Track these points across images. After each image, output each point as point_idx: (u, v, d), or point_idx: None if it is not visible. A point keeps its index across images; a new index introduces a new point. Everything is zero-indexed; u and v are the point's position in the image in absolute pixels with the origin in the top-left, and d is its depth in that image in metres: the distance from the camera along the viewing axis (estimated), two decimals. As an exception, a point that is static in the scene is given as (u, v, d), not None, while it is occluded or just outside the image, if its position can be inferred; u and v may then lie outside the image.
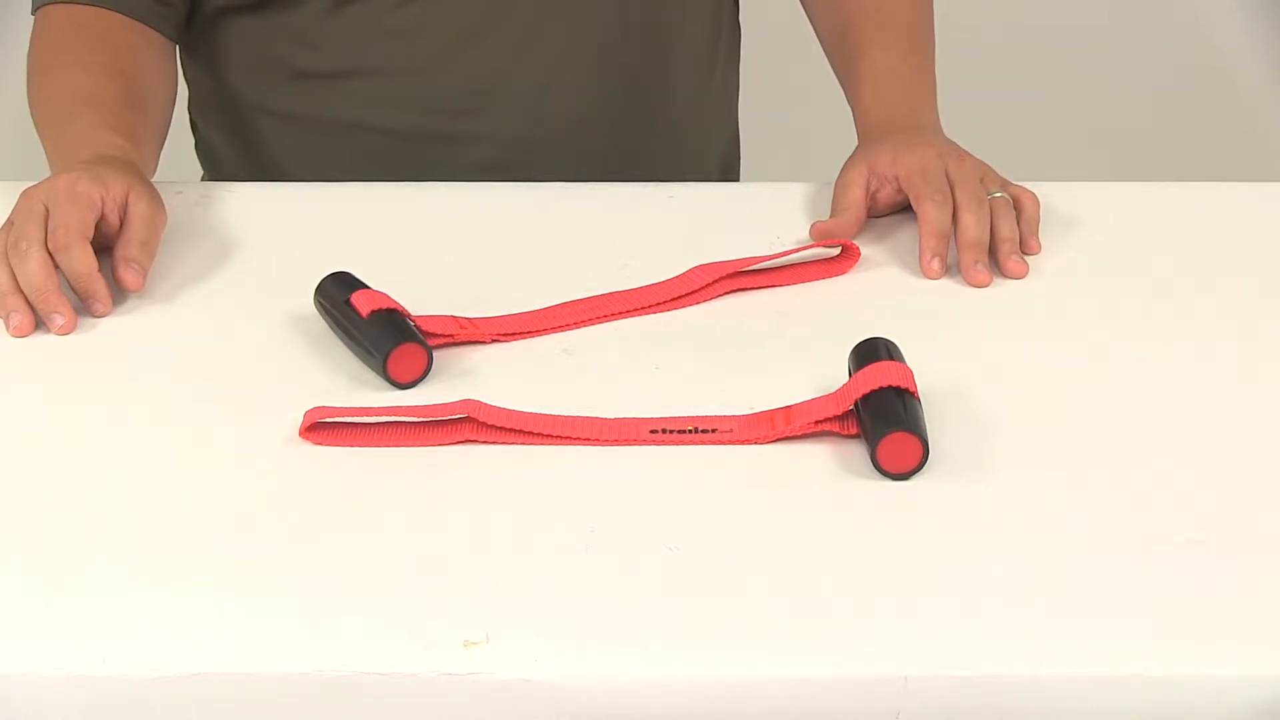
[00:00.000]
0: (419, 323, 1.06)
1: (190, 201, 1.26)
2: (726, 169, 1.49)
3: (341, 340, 1.07)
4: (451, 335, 1.08)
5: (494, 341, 1.09)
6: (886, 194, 1.21)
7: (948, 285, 1.16)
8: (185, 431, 1.00)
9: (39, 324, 1.10)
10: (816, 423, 0.99)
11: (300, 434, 0.99)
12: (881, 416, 0.97)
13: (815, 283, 1.15)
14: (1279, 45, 2.43)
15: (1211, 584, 0.89)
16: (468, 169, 1.32)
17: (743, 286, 1.14)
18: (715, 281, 1.13)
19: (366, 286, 1.08)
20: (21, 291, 1.10)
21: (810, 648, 0.84)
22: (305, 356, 1.08)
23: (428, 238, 1.21)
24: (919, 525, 0.93)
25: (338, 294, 1.08)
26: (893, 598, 0.87)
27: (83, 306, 1.11)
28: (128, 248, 1.14)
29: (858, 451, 0.98)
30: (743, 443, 0.99)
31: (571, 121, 1.35)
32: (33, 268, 1.10)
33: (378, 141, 1.35)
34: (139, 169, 1.20)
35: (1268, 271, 1.18)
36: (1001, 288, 1.15)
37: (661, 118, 1.39)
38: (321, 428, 0.99)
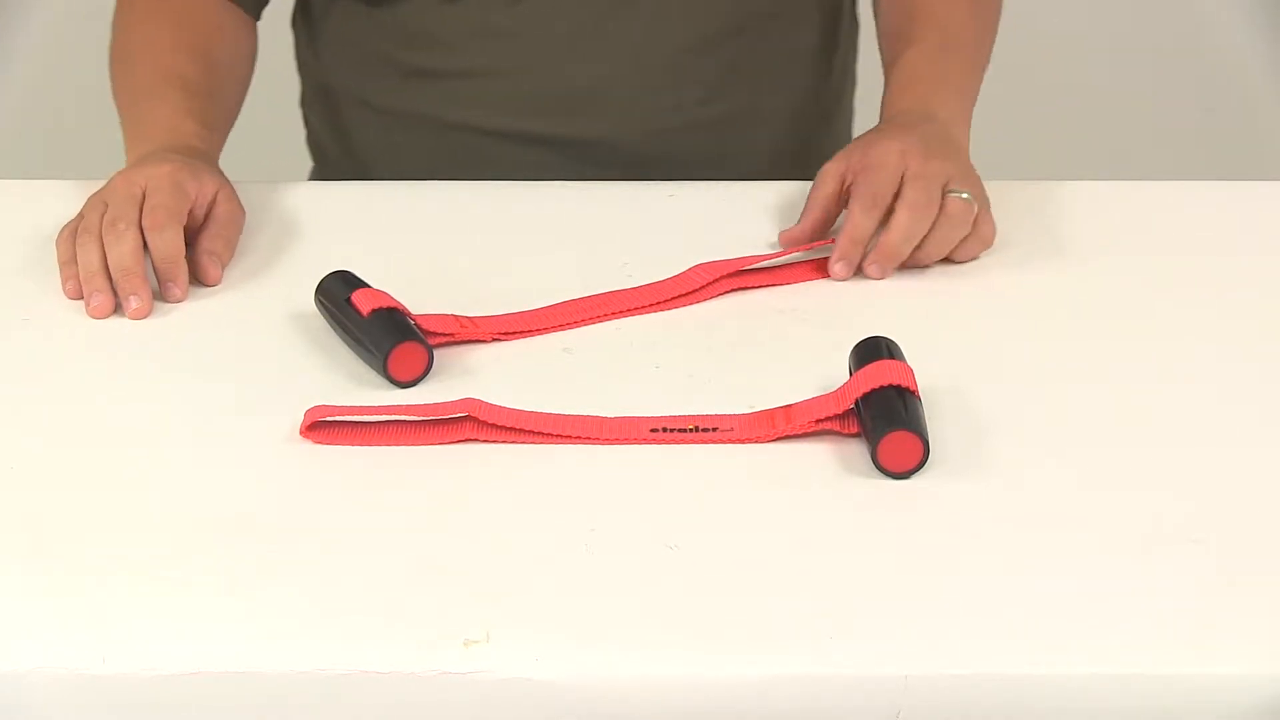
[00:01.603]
0: (419, 321, 1.06)
1: (190, 201, 1.26)
2: None
3: (342, 339, 1.07)
4: (452, 334, 1.08)
5: (494, 340, 1.09)
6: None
7: (948, 285, 1.16)
8: (185, 431, 1.00)
9: (118, 307, 1.12)
10: (817, 421, 0.99)
11: (300, 433, 0.99)
12: (882, 415, 0.97)
13: (815, 282, 1.15)
14: (1279, 45, 2.43)
15: (1211, 584, 0.88)
16: (568, 171, 1.31)
17: (743, 286, 1.14)
18: (715, 281, 1.13)
19: (367, 285, 1.08)
20: (108, 272, 1.12)
21: (810, 648, 0.84)
22: (305, 356, 1.08)
23: (428, 237, 1.21)
24: (919, 525, 0.93)
25: (338, 293, 1.08)
26: (893, 598, 0.87)
27: (160, 289, 1.13)
28: (214, 241, 1.16)
29: (858, 450, 0.98)
30: (743, 441, 0.99)
31: (677, 124, 1.34)
32: (126, 249, 1.12)
33: (478, 142, 1.34)
34: (217, 165, 1.23)
35: (1268, 271, 1.18)
36: (1002, 287, 1.15)
37: (770, 120, 1.37)
38: (322, 426, 0.99)
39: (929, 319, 1.12)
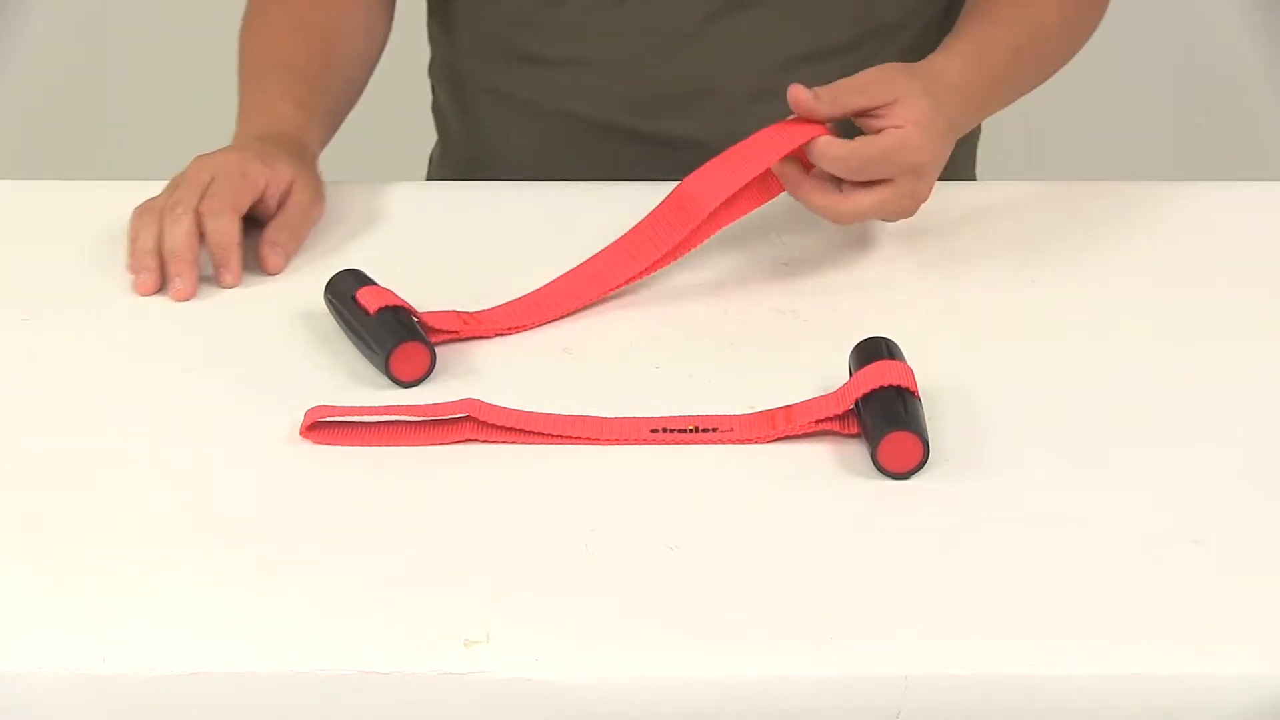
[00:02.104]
0: (424, 319, 1.06)
1: (190, 201, 1.26)
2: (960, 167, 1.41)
3: (348, 337, 1.08)
4: (456, 331, 1.08)
5: (498, 336, 1.09)
6: (872, 123, 1.13)
7: (948, 285, 1.16)
8: (186, 430, 1.00)
9: (164, 288, 1.13)
10: (817, 422, 0.99)
11: (301, 433, 0.99)
12: (882, 416, 0.97)
13: (815, 282, 1.15)
14: (1279, 45, 2.43)
15: (1211, 584, 0.89)
16: (665, 171, 1.27)
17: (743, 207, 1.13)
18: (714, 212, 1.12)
19: (374, 283, 1.08)
20: (160, 254, 1.13)
21: (810, 648, 0.84)
22: (307, 355, 1.08)
23: (430, 238, 1.21)
24: (919, 525, 0.93)
25: (345, 291, 1.08)
26: (893, 598, 0.87)
27: (215, 275, 1.14)
28: (278, 232, 1.17)
29: (858, 451, 0.98)
30: (743, 442, 0.99)
31: None
32: (179, 232, 1.13)
33: (581, 133, 1.34)
34: (309, 153, 1.23)
35: (1268, 271, 1.18)
36: (1002, 287, 1.15)
37: None
38: (322, 427, 0.99)
39: (929, 319, 1.12)
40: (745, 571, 0.89)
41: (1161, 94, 2.45)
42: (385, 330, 1.05)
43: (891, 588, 0.88)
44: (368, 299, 1.06)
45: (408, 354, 1.04)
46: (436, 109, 1.47)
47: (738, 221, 1.23)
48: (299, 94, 1.26)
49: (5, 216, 1.25)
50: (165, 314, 1.12)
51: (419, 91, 1.48)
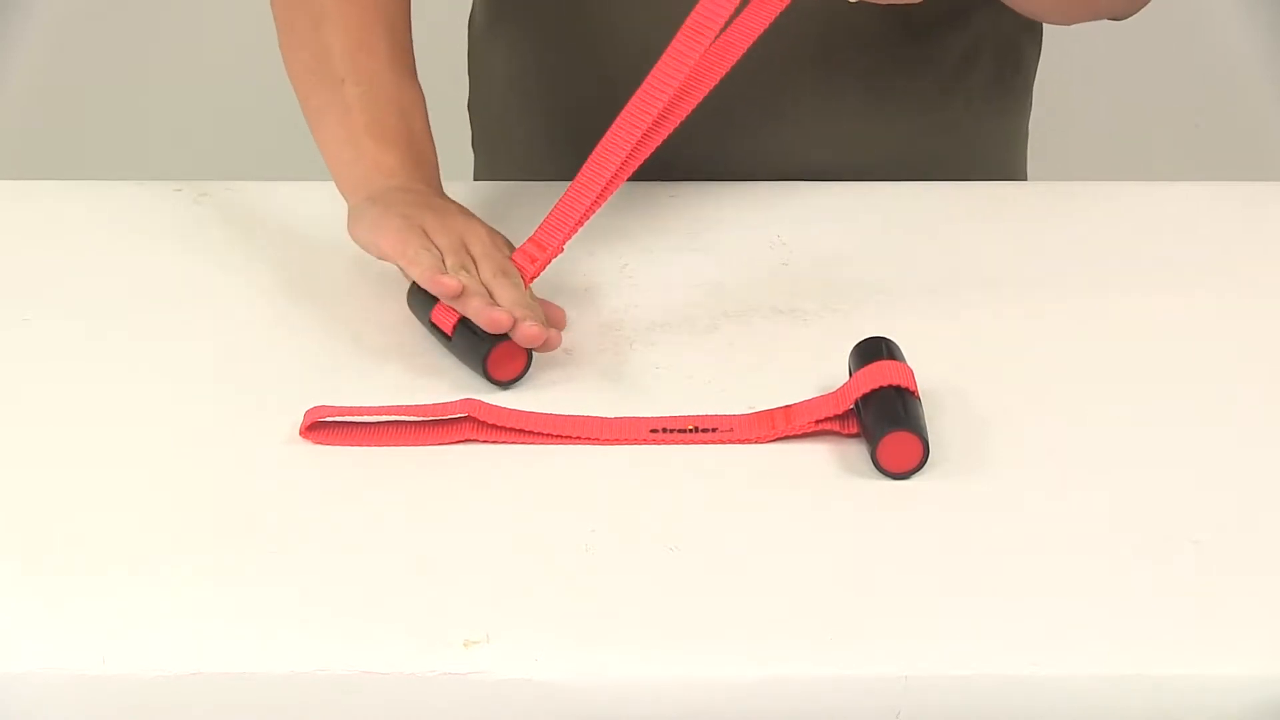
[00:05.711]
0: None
1: (189, 200, 1.26)
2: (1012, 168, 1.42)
3: (437, 339, 1.07)
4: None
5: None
6: None
7: (948, 285, 1.16)
8: (185, 431, 1.00)
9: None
10: (817, 422, 0.99)
11: (300, 434, 0.99)
12: (882, 416, 0.97)
13: (815, 282, 1.15)
14: (1279, 45, 2.43)
15: (1211, 584, 0.89)
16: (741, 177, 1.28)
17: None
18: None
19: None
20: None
21: (810, 648, 0.84)
22: (305, 356, 1.08)
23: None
24: (919, 525, 0.93)
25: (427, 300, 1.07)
26: (893, 598, 0.87)
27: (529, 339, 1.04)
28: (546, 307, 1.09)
29: (858, 451, 0.98)
30: (743, 442, 0.99)
31: (862, 149, 1.31)
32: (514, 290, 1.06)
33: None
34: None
35: (1268, 271, 1.18)
36: (1002, 287, 1.15)
37: (953, 131, 1.35)
38: (321, 427, 0.99)
39: (929, 319, 1.12)
40: (745, 571, 0.89)
41: (1160, 94, 2.45)
42: (478, 332, 1.04)
43: (891, 588, 0.88)
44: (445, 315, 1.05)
45: (504, 354, 1.03)
46: (484, 142, 1.44)
47: (737, 221, 1.23)
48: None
49: (5, 216, 1.25)
50: (164, 315, 1.12)
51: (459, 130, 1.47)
